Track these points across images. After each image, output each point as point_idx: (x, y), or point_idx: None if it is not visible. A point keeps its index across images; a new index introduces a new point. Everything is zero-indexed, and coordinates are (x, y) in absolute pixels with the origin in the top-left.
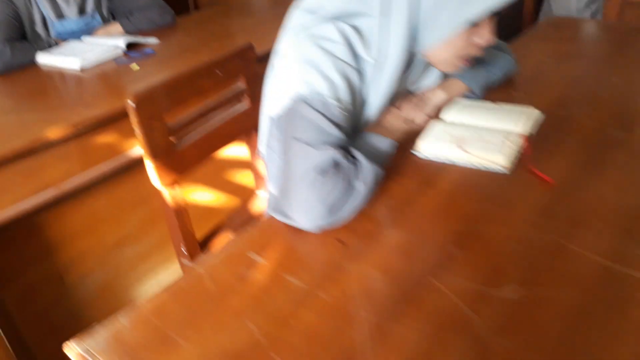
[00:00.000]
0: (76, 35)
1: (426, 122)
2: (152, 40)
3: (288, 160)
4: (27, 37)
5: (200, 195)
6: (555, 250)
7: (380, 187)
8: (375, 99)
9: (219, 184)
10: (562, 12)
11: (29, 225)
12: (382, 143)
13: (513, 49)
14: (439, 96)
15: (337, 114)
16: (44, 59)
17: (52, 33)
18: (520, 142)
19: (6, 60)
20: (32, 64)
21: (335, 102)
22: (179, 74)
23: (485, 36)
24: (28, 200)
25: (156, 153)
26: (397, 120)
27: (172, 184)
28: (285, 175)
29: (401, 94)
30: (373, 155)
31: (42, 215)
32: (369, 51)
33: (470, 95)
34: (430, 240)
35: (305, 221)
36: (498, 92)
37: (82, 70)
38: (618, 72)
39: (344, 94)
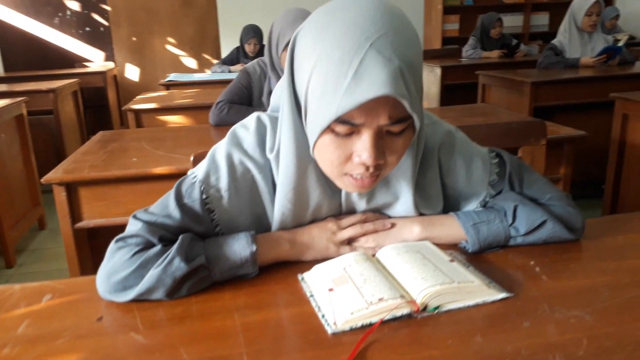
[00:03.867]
0: None
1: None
2: None
3: None
4: (253, 102)
5: None
6: None
7: (211, 288)
8: (277, 200)
9: None
10: None
11: None
12: (238, 247)
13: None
14: (411, 231)
15: (197, 198)
16: None
17: None
18: (395, 309)
19: (222, 116)
20: None
21: (201, 186)
22: None
23: (360, 152)
24: None
25: None
26: (322, 235)
27: None
28: None
29: (363, 211)
30: (217, 256)
31: None
32: (272, 145)
33: (464, 245)
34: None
35: (97, 287)
36: (511, 252)
37: None
38: None
39: (223, 181)
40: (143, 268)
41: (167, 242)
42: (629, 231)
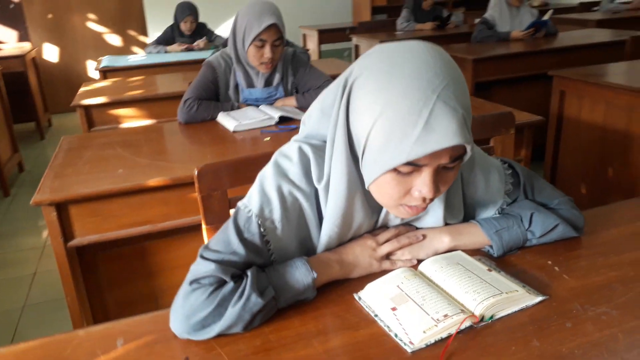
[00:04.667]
0: (259, 102)
1: (407, 265)
2: None
3: None
4: (220, 97)
5: None
6: None
7: (277, 316)
8: (325, 225)
9: None
10: None
11: (137, 249)
12: (300, 275)
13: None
14: (442, 241)
15: (255, 232)
16: (220, 117)
17: (240, 98)
18: (460, 324)
19: (192, 114)
20: (213, 119)
21: (258, 220)
22: (246, 157)
23: (419, 187)
24: (131, 229)
25: (211, 220)
26: (364, 253)
27: None
28: None
29: (393, 225)
30: (282, 285)
31: (148, 244)
32: (320, 176)
33: (488, 249)
34: None
35: (174, 328)
36: (528, 253)
37: (234, 132)
38: None
39: (276, 213)
40: (221, 306)
41: (237, 278)
42: (617, 224)
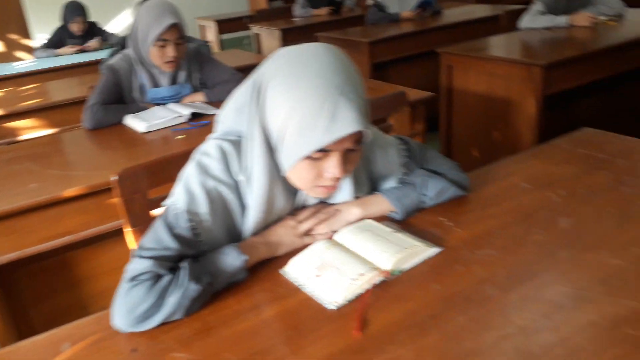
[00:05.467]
0: (166, 100)
1: (325, 237)
2: (215, 111)
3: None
4: (125, 99)
5: None
6: None
7: (213, 299)
8: (250, 213)
9: None
10: None
11: (59, 261)
12: (231, 259)
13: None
14: (352, 213)
15: (185, 226)
16: (128, 119)
17: (147, 98)
18: (374, 279)
19: (98, 119)
20: (120, 123)
21: (186, 215)
22: (163, 157)
23: (329, 169)
24: (52, 241)
25: (134, 223)
26: (287, 233)
27: None
28: None
29: (309, 205)
30: (215, 271)
31: (69, 255)
32: (242, 168)
33: (392, 214)
34: None
35: (117, 324)
36: (426, 213)
37: (146, 132)
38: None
39: (203, 207)
40: (161, 298)
41: (172, 270)
42: (495, 180)
